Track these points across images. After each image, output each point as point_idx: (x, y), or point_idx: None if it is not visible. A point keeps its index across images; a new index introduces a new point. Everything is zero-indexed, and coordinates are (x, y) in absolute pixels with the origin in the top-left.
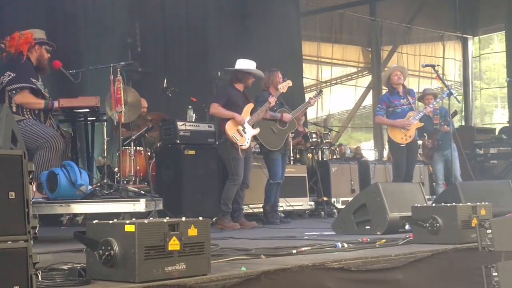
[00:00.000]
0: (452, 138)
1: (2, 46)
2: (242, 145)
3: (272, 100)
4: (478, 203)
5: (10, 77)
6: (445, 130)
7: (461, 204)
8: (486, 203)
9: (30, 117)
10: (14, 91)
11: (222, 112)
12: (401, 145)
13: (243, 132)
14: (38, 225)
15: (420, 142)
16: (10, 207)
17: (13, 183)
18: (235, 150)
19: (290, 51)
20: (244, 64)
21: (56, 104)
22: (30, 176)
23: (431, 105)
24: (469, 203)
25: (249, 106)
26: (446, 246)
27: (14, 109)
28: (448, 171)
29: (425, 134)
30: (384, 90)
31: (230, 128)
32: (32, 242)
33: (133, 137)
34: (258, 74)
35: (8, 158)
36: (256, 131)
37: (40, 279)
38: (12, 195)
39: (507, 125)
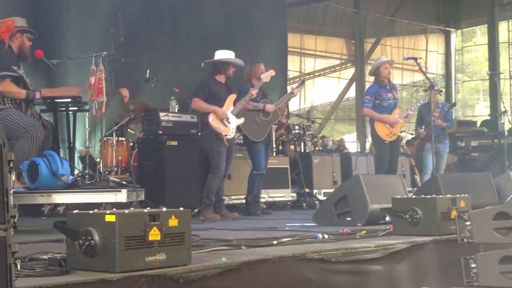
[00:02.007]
0: (445, 134)
1: None
2: (227, 135)
3: (254, 92)
4: (458, 195)
5: None
6: (439, 125)
7: (440, 196)
8: (466, 195)
9: (11, 106)
10: None
11: (204, 106)
12: (385, 141)
13: (227, 122)
14: (17, 215)
15: (406, 135)
16: None
17: None
18: (219, 142)
19: (275, 43)
20: (223, 54)
21: (37, 94)
22: (10, 165)
23: (412, 107)
24: (448, 195)
25: (232, 97)
26: (426, 238)
27: None
28: (435, 164)
29: (423, 126)
30: (368, 83)
31: (214, 119)
32: (12, 232)
33: (115, 127)
34: (238, 63)
35: None
36: (241, 121)
37: (19, 268)
38: None
39: (489, 118)
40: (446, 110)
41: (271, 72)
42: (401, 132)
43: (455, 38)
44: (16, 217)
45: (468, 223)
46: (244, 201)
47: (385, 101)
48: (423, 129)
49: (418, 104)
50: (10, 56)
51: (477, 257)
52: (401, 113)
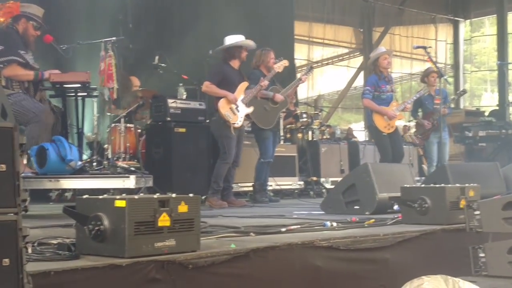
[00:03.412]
0: (445, 122)
1: None
2: (235, 123)
3: (264, 83)
4: (467, 185)
5: None
6: (444, 113)
7: (449, 185)
8: (475, 184)
9: (20, 91)
10: (1, 64)
11: (215, 90)
12: (383, 133)
13: (236, 110)
14: (28, 199)
15: (413, 122)
16: (0, 179)
17: (4, 155)
18: (228, 128)
19: (282, 30)
20: (234, 38)
21: (46, 74)
22: (21, 149)
23: (409, 101)
24: (457, 184)
25: (243, 85)
26: (434, 227)
27: (3, 83)
28: (440, 154)
29: (419, 114)
30: None
31: (223, 107)
32: (21, 215)
33: (123, 114)
34: (249, 45)
35: None
36: (250, 109)
37: (30, 252)
38: (2, 167)
39: (497, 108)
40: (454, 98)
41: (284, 63)
42: (409, 121)
43: (464, 28)
44: (27, 201)
45: (477, 212)
46: (251, 188)
47: (384, 93)
48: (424, 118)
49: (415, 97)
50: (17, 41)
51: (485, 247)
52: (398, 106)
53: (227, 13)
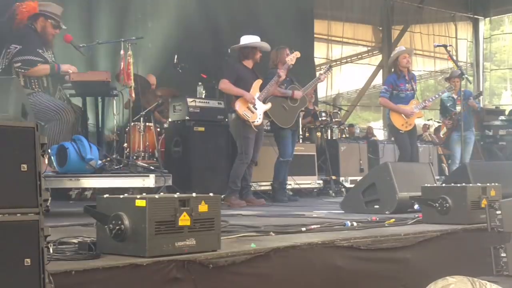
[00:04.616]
0: (471, 122)
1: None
2: (254, 121)
3: (282, 72)
4: (488, 184)
5: (16, 49)
6: (472, 105)
7: (471, 184)
8: (496, 184)
9: (40, 90)
10: (20, 63)
11: (232, 88)
12: (401, 131)
13: (254, 108)
14: (49, 198)
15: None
16: (22, 179)
17: (25, 155)
18: (247, 128)
19: (301, 29)
20: (249, 39)
21: (64, 67)
22: (43, 149)
23: (430, 99)
24: (479, 184)
25: (258, 82)
26: (456, 227)
27: (22, 83)
28: (462, 152)
29: (447, 115)
30: None
31: (240, 106)
32: (43, 215)
33: (143, 113)
34: (264, 47)
35: (21, 130)
36: (268, 106)
37: (51, 252)
38: (24, 167)
39: None
40: (471, 99)
41: (296, 54)
42: (428, 120)
43: (483, 26)
44: (49, 201)
45: (498, 212)
46: (270, 188)
47: (403, 92)
48: (448, 118)
49: (436, 96)
50: (35, 40)
51: (507, 247)
52: (418, 104)
53: (246, 12)
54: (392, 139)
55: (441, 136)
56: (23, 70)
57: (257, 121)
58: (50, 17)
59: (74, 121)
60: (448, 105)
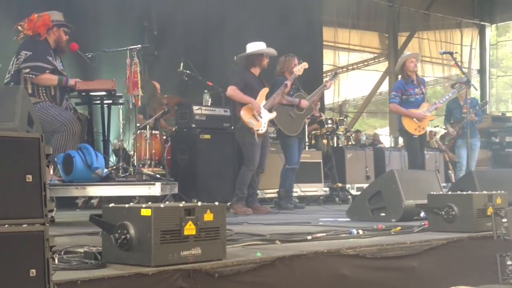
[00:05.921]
0: (476, 129)
1: (20, 29)
2: (259, 129)
3: (288, 83)
4: (494, 192)
5: (27, 55)
6: (472, 119)
7: (477, 192)
8: (502, 191)
9: (47, 99)
10: (29, 69)
11: (240, 95)
12: (414, 136)
13: (259, 116)
14: (54, 209)
15: (439, 128)
16: (27, 190)
17: (30, 166)
18: (252, 136)
19: (310, 36)
20: (255, 46)
21: (71, 81)
22: (48, 160)
23: (441, 100)
24: (485, 192)
25: (264, 91)
26: (461, 234)
27: (29, 91)
28: (468, 159)
29: (451, 121)
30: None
31: (245, 114)
32: (48, 226)
33: (149, 121)
34: (271, 53)
35: (26, 141)
36: (273, 115)
37: (56, 262)
38: (29, 178)
39: None
40: (477, 108)
41: (304, 65)
42: (434, 127)
43: (490, 32)
44: (54, 211)
45: (504, 220)
46: (276, 195)
47: (412, 96)
48: (452, 127)
49: (447, 97)
50: (45, 48)
51: None
52: (429, 107)
53: (253, 19)
54: (399, 146)
55: (446, 143)
56: (31, 76)
57: (262, 130)
58: (62, 24)
59: (81, 131)
60: (455, 111)
